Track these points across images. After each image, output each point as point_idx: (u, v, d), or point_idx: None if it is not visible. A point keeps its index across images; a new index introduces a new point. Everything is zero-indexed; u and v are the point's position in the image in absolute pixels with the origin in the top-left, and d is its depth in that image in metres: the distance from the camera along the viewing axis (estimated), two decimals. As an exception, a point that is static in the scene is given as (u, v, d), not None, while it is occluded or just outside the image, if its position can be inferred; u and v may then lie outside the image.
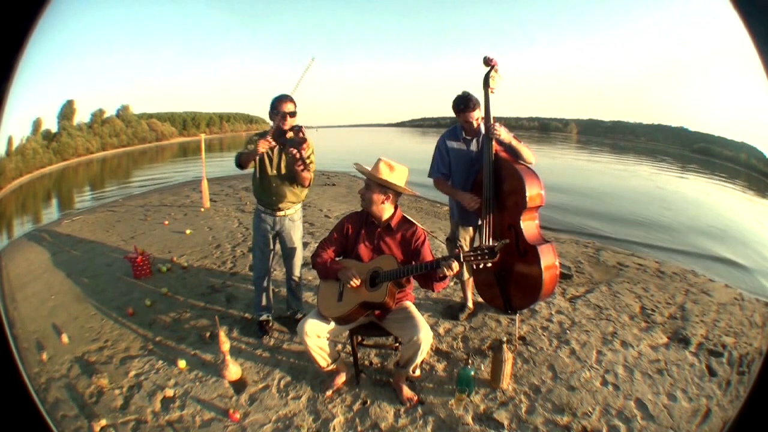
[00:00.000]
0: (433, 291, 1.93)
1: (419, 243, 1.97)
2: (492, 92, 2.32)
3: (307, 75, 2.31)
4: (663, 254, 4.81)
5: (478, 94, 2.40)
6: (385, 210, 1.98)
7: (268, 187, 2.44)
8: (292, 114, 2.33)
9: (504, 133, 2.32)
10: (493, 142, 2.35)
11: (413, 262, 1.92)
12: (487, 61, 2.31)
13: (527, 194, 2.24)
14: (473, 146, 2.52)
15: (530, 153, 2.41)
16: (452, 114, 2.51)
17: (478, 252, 1.68)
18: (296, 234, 2.62)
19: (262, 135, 2.36)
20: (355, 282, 1.87)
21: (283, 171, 2.44)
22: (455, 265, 1.71)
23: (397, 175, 1.94)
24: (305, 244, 4.48)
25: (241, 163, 2.37)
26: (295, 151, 2.22)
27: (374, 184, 1.93)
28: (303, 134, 2.32)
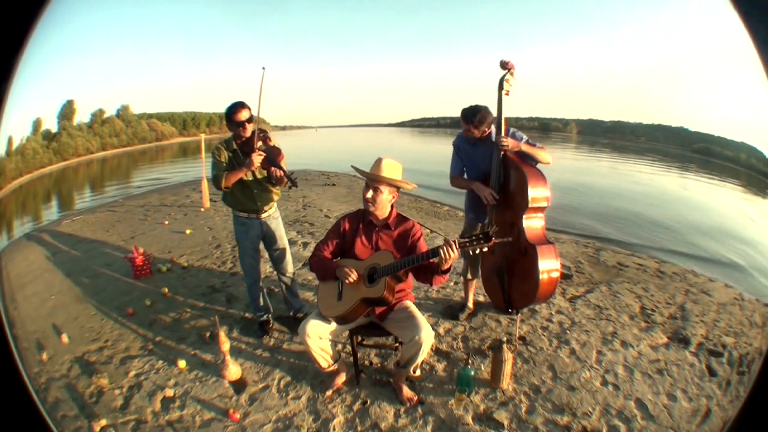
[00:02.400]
0: (431, 285, 1.91)
1: (416, 238, 1.97)
2: (506, 95, 2.32)
3: (265, 86, 2.29)
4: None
5: (492, 96, 2.40)
6: (388, 209, 1.99)
7: (250, 193, 2.43)
8: (249, 120, 2.34)
9: (512, 144, 2.33)
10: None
11: (408, 249, 1.94)
12: (504, 64, 2.31)
13: (529, 194, 2.25)
14: (482, 149, 2.52)
15: (545, 154, 2.39)
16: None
17: (473, 237, 1.66)
18: (282, 231, 2.64)
19: (228, 144, 2.37)
20: (353, 278, 1.85)
21: (260, 174, 2.44)
22: (452, 251, 1.66)
23: (400, 172, 1.95)
24: (305, 244, 4.48)
25: (227, 185, 2.32)
26: (280, 173, 2.24)
27: (384, 184, 1.91)
28: (270, 139, 2.36)
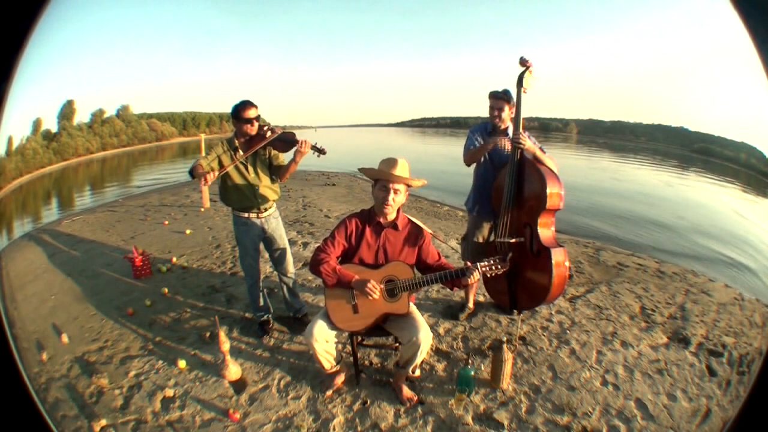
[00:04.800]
0: (451, 290, 2.01)
1: (425, 242, 1.96)
2: (525, 92, 2.34)
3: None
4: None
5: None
6: (396, 211, 1.96)
7: (250, 192, 2.43)
8: (257, 118, 2.39)
9: (529, 144, 2.34)
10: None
11: (420, 259, 1.95)
12: (523, 62, 2.32)
13: (548, 196, 2.26)
14: (498, 146, 2.53)
15: (553, 164, 2.40)
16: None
17: (492, 263, 1.79)
18: (282, 231, 2.65)
19: (230, 142, 2.38)
20: (377, 295, 1.83)
21: (260, 172, 2.44)
22: (477, 275, 1.78)
23: (409, 171, 1.92)
24: (305, 244, 4.48)
25: (194, 172, 2.29)
26: (308, 144, 2.30)
27: (404, 186, 1.89)
28: (275, 130, 2.39)
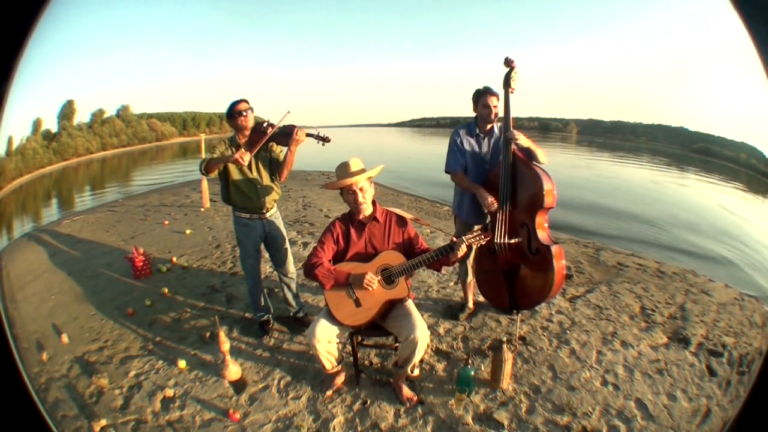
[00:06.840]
0: (438, 271, 2.06)
1: (405, 227, 2.04)
2: (512, 92, 2.35)
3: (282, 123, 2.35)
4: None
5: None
6: (371, 205, 2.02)
7: (253, 191, 2.42)
8: (251, 110, 2.37)
9: (523, 138, 2.33)
10: (512, 145, 2.36)
11: (405, 244, 2.01)
12: (508, 62, 2.33)
13: (544, 195, 2.27)
14: (484, 146, 2.53)
15: (543, 154, 2.41)
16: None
17: (476, 234, 1.88)
18: (283, 231, 2.64)
19: (232, 141, 2.37)
20: (375, 285, 1.89)
21: (262, 170, 2.44)
22: (464, 247, 1.84)
23: (362, 163, 1.99)
24: (305, 244, 4.48)
25: (209, 169, 2.26)
26: (305, 131, 2.29)
27: (366, 182, 1.95)
28: (274, 124, 2.35)
